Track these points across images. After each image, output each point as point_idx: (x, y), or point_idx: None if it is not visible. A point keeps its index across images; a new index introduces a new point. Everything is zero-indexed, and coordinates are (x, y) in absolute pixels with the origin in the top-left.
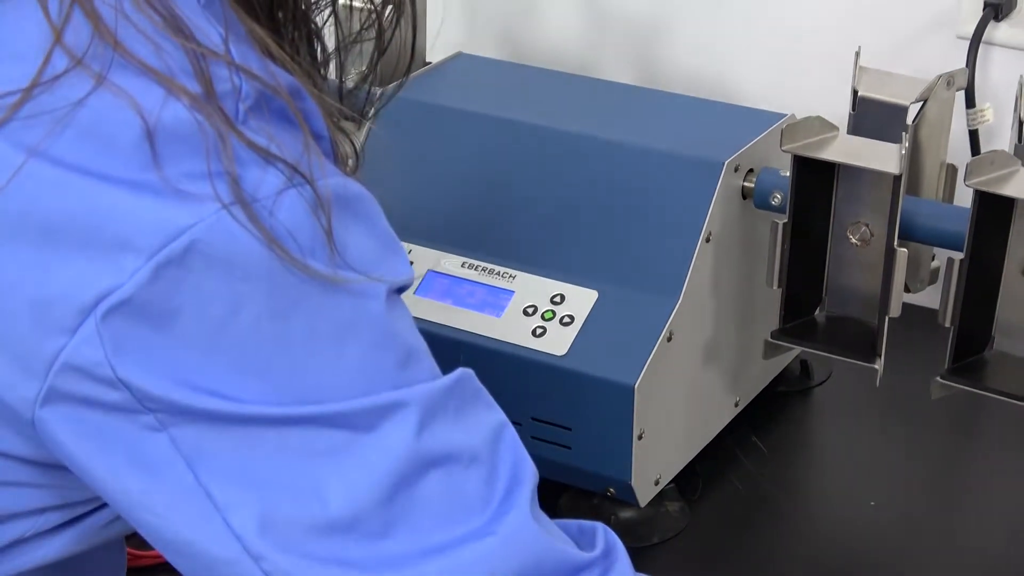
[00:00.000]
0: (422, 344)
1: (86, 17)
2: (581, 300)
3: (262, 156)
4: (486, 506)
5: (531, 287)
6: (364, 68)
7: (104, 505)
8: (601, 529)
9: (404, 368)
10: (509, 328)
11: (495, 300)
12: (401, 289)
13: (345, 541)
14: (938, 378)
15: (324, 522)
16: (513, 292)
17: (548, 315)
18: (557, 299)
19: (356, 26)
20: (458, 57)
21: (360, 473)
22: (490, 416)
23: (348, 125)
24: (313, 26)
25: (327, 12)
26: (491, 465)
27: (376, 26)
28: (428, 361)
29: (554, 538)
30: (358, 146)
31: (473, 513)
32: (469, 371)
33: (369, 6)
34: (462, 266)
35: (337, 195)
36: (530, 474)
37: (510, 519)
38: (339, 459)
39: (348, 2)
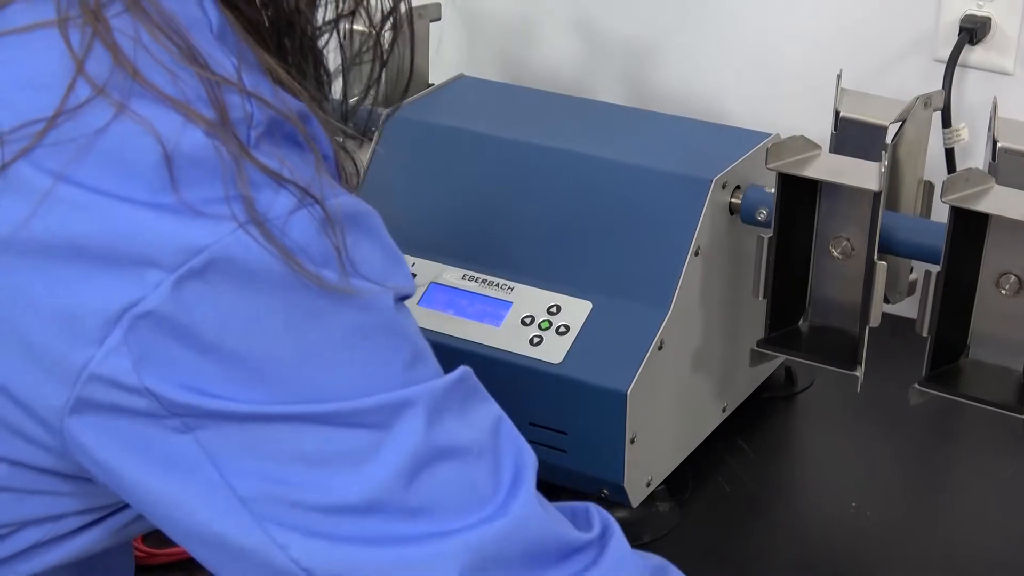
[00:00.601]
0: (426, 346)
1: (106, 48)
2: (576, 310)
3: (274, 179)
4: (496, 494)
5: (528, 298)
6: (364, 88)
7: (126, 506)
8: (594, 509)
9: (411, 368)
10: (507, 337)
11: (494, 310)
12: (404, 297)
13: (365, 523)
14: (916, 385)
15: (345, 508)
16: (511, 303)
17: (544, 325)
18: (553, 309)
19: (356, 47)
20: (459, 79)
21: (375, 467)
22: (489, 409)
23: (350, 143)
24: (317, 50)
25: (329, 34)
26: (496, 455)
27: (376, 47)
28: (432, 361)
29: (555, 520)
30: (359, 164)
31: (485, 502)
32: (468, 369)
33: (369, 28)
34: (463, 278)
35: (346, 212)
36: (531, 460)
37: (518, 503)
38: (355, 454)
39: (349, 25)
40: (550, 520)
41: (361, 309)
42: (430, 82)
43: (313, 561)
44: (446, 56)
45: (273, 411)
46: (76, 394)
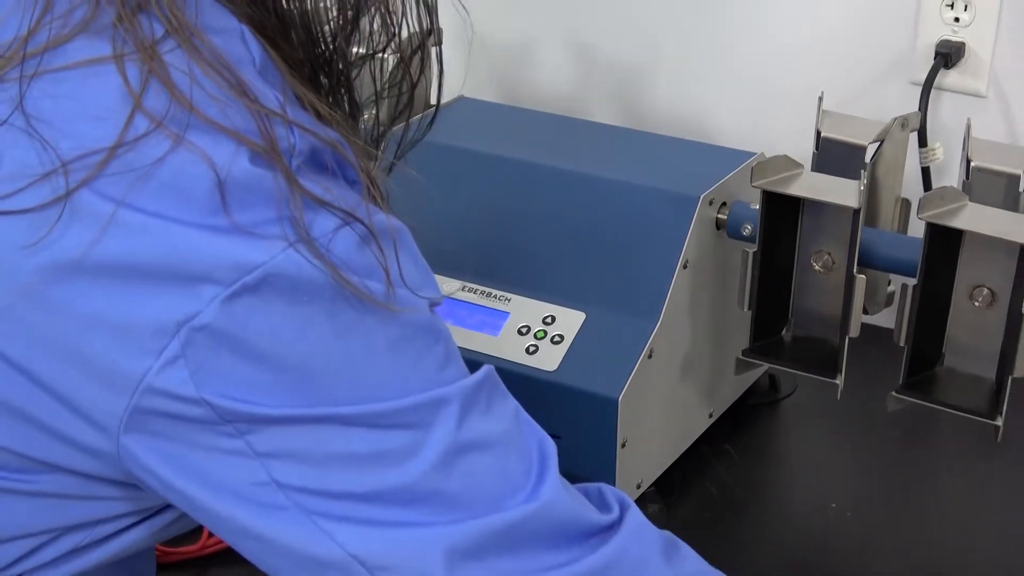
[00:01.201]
0: (455, 347)
1: (162, 84)
2: (570, 321)
3: (317, 203)
4: (527, 481)
5: (525, 309)
6: (392, 116)
7: (167, 506)
8: (607, 490)
9: (445, 369)
10: (505, 346)
11: (492, 321)
12: (435, 304)
13: (408, 512)
14: (893, 392)
15: (387, 499)
16: (508, 314)
17: (540, 334)
18: (548, 320)
19: (384, 77)
20: (460, 100)
21: (416, 462)
22: (510, 402)
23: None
24: (350, 84)
25: (359, 70)
26: (522, 444)
27: (405, 79)
28: (461, 361)
29: (579, 503)
30: (383, 187)
31: (518, 488)
32: (492, 367)
33: (398, 61)
34: (462, 290)
35: (385, 229)
36: (552, 446)
37: (546, 487)
38: (397, 452)
39: (381, 55)
40: (574, 503)
41: (402, 317)
42: (431, 103)
43: (359, 546)
44: (447, 78)
45: (321, 414)
46: (134, 403)
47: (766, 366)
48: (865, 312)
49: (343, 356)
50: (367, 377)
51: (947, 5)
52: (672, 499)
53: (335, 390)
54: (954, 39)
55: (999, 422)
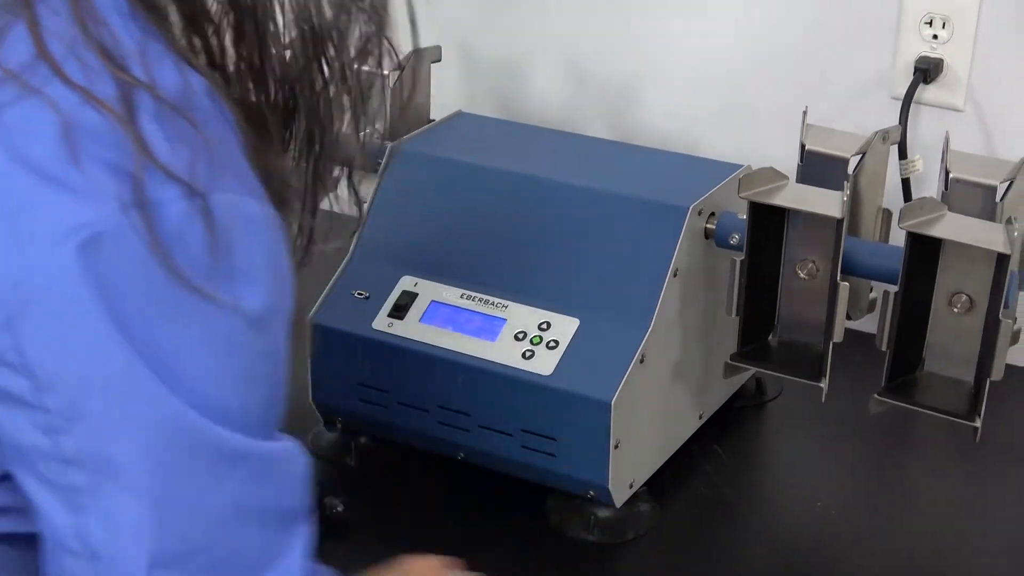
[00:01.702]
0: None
1: (29, 33)
2: (565, 327)
3: (161, 170)
4: None
5: (521, 315)
6: (379, 128)
7: None
8: None
9: (268, 405)
10: (502, 351)
11: (490, 326)
12: (285, 316)
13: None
14: (875, 395)
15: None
16: (505, 320)
17: (536, 340)
18: (544, 326)
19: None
20: (458, 115)
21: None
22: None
23: (356, 175)
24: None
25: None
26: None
27: (389, 94)
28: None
29: None
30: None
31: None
32: (305, 457)
33: (385, 73)
34: (461, 297)
35: (227, 212)
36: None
37: None
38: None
39: (378, 70)
40: None
41: (222, 315)
42: (431, 118)
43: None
44: (446, 94)
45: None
46: None
47: (753, 370)
48: (848, 318)
49: (158, 336)
50: (183, 369)
51: (926, 23)
52: (663, 498)
53: (146, 366)
54: (932, 55)
55: (977, 423)
